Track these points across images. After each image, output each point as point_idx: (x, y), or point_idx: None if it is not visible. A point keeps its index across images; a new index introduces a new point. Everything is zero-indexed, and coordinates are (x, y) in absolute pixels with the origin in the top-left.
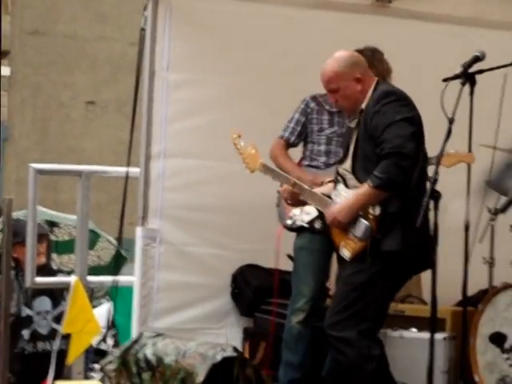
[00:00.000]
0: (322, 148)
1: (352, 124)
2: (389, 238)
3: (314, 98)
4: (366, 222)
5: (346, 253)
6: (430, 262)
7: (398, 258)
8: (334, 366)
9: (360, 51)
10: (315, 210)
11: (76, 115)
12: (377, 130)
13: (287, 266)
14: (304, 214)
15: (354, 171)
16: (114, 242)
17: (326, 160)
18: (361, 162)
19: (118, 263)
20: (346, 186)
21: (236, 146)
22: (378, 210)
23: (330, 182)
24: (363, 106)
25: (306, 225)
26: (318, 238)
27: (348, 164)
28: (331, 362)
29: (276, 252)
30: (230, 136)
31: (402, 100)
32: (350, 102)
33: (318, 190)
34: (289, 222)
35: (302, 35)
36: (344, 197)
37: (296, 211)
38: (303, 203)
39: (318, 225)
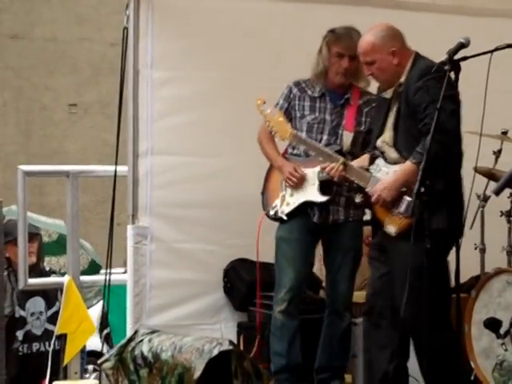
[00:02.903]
0: (303, 135)
1: (387, 95)
2: (436, 216)
3: (297, 84)
4: (409, 198)
5: (392, 229)
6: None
7: (445, 235)
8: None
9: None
10: (295, 202)
11: (59, 118)
12: (420, 106)
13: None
14: (284, 206)
15: (395, 144)
16: (89, 248)
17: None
18: (403, 135)
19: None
20: (385, 160)
21: (262, 113)
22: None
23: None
24: (402, 79)
25: (284, 217)
26: (298, 228)
27: (387, 136)
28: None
29: (257, 238)
30: (255, 104)
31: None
32: (386, 75)
33: (355, 164)
34: (271, 212)
35: (286, 29)
36: (384, 172)
37: (277, 201)
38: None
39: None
